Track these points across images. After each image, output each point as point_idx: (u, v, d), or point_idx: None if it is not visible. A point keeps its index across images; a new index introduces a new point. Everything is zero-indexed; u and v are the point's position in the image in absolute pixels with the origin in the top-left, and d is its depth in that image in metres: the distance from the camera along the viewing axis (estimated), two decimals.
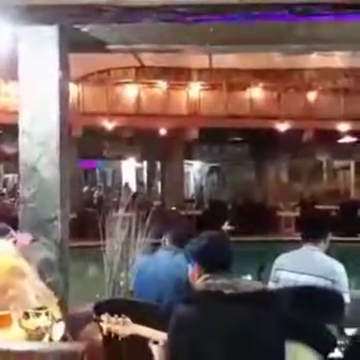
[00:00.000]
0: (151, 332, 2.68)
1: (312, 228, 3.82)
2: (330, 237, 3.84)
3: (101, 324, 2.70)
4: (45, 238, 3.93)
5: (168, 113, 14.42)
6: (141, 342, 2.67)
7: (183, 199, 16.89)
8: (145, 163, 21.50)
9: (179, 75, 14.77)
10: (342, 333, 3.18)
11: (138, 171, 22.61)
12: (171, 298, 3.30)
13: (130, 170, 22.46)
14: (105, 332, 2.69)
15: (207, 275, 2.34)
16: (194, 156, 18.75)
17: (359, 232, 13.73)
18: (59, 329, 2.44)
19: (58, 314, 2.51)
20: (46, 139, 4.03)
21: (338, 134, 15.23)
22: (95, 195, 19.62)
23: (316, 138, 14.79)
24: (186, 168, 18.88)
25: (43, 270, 3.32)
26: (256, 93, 14.73)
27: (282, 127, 14.57)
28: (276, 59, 12.54)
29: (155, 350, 2.51)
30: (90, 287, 5.87)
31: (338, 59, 13.14)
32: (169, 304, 2.98)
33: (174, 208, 14.60)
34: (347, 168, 18.45)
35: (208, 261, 2.39)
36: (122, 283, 4.41)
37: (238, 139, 16.63)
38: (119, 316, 2.70)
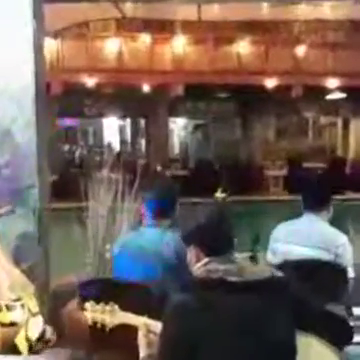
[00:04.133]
0: (143, 321, 2.36)
1: (313, 195, 3.51)
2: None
3: (85, 313, 2.37)
4: (22, 208, 3.57)
5: (152, 69, 13.97)
6: (132, 332, 2.37)
7: (168, 158, 16.55)
8: (128, 121, 20.97)
9: (163, 28, 14.18)
10: (350, 314, 2.96)
11: (121, 129, 22.12)
12: (159, 280, 2.99)
13: (113, 128, 21.94)
14: (90, 322, 2.35)
15: (207, 259, 2.02)
16: (179, 113, 18.27)
17: (347, 190, 13.55)
18: (36, 324, 2.10)
19: (35, 306, 2.16)
20: (20, 98, 3.61)
21: (326, 90, 14.90)
22: (77, 154, 19.17)
23: (304, 94, 14.44)
24: (170, 125, 18.44)
25: (20, 249, 3.16)
26: (243, 47, 14.31)
27: (269, 83, 14.20)
28: (263, 11, 12.11)
29: (142, 339, 2.17)
30: (73, 255, 5.53)
31: (327, 10, 12.71)
32: (160, 287, 2.81)
33: (159, 168, 14.27)
34: (334, 125, 18.20)
35: (208, 244, 2.07)
36: (108, 255, 4.05)
37: (224, 96, 16.17)
38: (106, 303, 2.37)
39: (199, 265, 2.03)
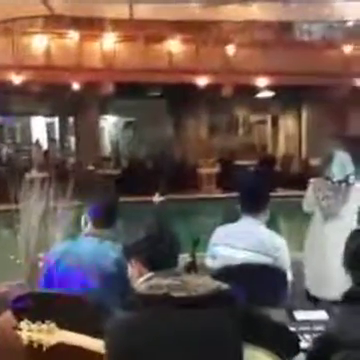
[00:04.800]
0: (82, 340, 2.22)
1: (250, 198, 3.48)
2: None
3: (20, 333, 2.21)
4: None
5: (81, 66, 13.58)
6: (70, 351, 2.22)
7: (100, 157, 16.23)
8: (57, 118, 20.42)
9: (92, 25, 13.84)
10: (293, 319, 2.91)
11: (49, 127, 21.49)
12: (97, 293, 2.84)
13: (41, 126, 21.30)
14: (26, 342, 2.20)
15: (150, 274, 1.95)
16: (109, 111, 18.00)
17: (277, 187, 13.82)
18: None
19: None
20: None
21: (256, 88, 15.12)
22: (4, 152, 18.47)
23: (234, 93, 14.58)
24: (100, 123, 18.11)
25: None
26: (174, 46, 14.20)
27: (200, 81, 14.20)
28: (194, 11, 12.10)
29: None
30: (1, 261, 5.24)
31: (257, 11, 12.87)
32: (97, 299, 2.68)
33: (91, 167, 13.96)
34: (264, 123, 18.53)
35: (150, 258, 1.99)
36: (40, 264, 3.85)
37: (155, 94, 16.07)
38: (43, 322, 2.21)
39: (141, 280, 1.94)
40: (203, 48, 14.19)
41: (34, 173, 12.69)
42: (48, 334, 2.20)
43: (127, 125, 19.80)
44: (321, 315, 2.95)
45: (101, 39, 13.92)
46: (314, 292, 4.75)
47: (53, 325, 2.21)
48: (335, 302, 4.61)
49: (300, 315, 2.93)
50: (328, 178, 4.82)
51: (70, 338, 2.21)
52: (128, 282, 2.73)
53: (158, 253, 1.98)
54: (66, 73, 13.38)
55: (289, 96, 15.87)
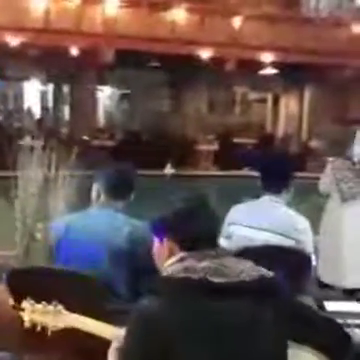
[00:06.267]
0: (95, 326, 1.88)
1: (273, 175, 3.25)
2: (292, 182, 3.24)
3: (22, 314, 1.87)
4: None
5: (80, 30, 13.06)
6: (77, 336, 1.91)
7: (94, 128, 15.83)
8: (51, 86, 19.89)
9: None
10: (321, 308, 2.65)
11: (43, 95, 20.97)
12: (107, 272, 2.56)
13: (34, 93, 20.77)
14: (28, 324, 1.86)
15: (183, 254, 1.64)
16: (106, 81, 17.51)
17: None
18: None
19: None
20: None
21: (259, 65, 14.75)
22: None
23: (237, 68, 14.21)
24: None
25: None
26: (178, 15, 13.69)
27: (203, 54, 13.77)
28: None
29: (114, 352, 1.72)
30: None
31: None
32: (106, 279, 2.49)
33: (86, 137, 13.58)
34: (264, 101, 18.20)
35: (186, 235, 1.66)
36: (39, 236, 3.50)
37: (156, 65, 15.61)
38: (49, 302, 1.87)
39: (171, 261, 1.65)
40: (208, 19, 13.75)
41: (27, 140, 12.32)
42: (55, 317, 1.85)
43: (123, 97, 19.36)
44: (354, 307, 2.76)
45: (103, 3, 13.41)
46: (327, 279, 4.55)
47: (61, 307, 1.87)
48: (352, 291, 4.41)
49: (331, 306, 2.68)
50: (349, 158, 4.58)
51: (83, 323, 1.87)
52: (142, 259, 2.45)
53: (194, 230, 1.66)
54: (64, 37, 12.89)
55: (293, 75, 15.54)
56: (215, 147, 14.33)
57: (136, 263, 2.56)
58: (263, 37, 13.70)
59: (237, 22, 13.99)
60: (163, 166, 12.40)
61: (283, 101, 17.43)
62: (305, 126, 16.83)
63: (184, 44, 13.38)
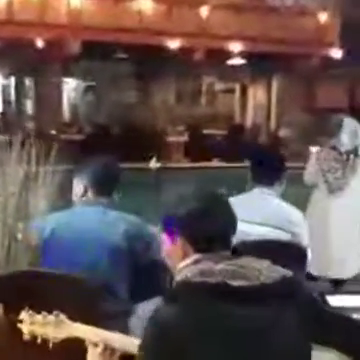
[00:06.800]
0: (99, 334, 1.73)
1: (265, 167, 3.18)
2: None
3: (21, 326, 1.72)
4: None
5: (45, 22, 12.73)
6: (81, 346, 1.75)
7: (61, 122, 15.49)
8: (13, 79, 19.39)
9: None
10: (324, 302, 2.56)
11: (4, 89, 20.43)
12: (105, 272, 2.43)
13: None
14: (28, 336, 1.72)
15: (197, 256, 1.54)
16: (71, 73, 17.14)
17: (245, 157, 13.51)
18: None
19: None
20: None
21: (228, 54, 14.69)
22: None
23: (206, 58, 14.11)
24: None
25: None
26: (145, 4, 13.50)
27: (172, 44, 13.63)
28: None
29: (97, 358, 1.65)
30: None
31: None
32: (102, 281, 2.35)
33: (53, 132, 13.26)
34: (232, 91, 18.17)
35: (200, 235, 1.55)
36: (20, 236, 3.30)
37: (123, 56, 15.36)
38: (49, 312, 1.72)
39: (185, 263, 1.55)
40: (176, 8, 13.61)
41: None
42: (56, 328, 1.72)
43: (88, 89, 19.00)
44: (358, 301, 2.72)
45: None
46: (313, 271, 4.51)
47: (62, 317, 1.73)
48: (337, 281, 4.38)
49: (334, 301, 2.62)
50: (334, 148, 4.52)
51: (83, 331, 1.73)
52: (139, 257, 2.42)
53: (209, 230, 1.55)
54: (28, 29, 12.56)
55: (260, 65, 15.52)
56: (185, 138, 14.21)
57: (134, 260, 2.47)
58: (231, 27, 13.67)
59: (204, 12, 13.89)
60: (135, 159, 12.23)
61: (251, 91, 17.44)
62: (274, 116, 16.89)
63: (152, 34, 13.22)
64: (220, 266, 1.44)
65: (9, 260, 3.37)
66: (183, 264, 1.53)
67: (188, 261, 1.53)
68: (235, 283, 1.40)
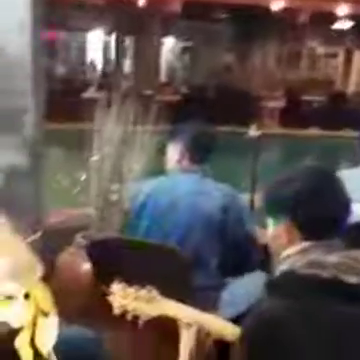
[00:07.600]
0: (193, 315, 1.63)
1: None
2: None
3: (111, 298, 1.61)
4: (12, 136, 2.75)
5: None
6: (171, 326, 1.64)
7: (158, 82, 15.50)
8: (114, 38, 19.62)
9: None
10: None
11: (106, 47, 20.76)
12: (198, 243, 2.35)
13: (97, 45, 20.58)
14: (118, 310, 1.60)
15: (306, 244, 1.39)
16: (170, 33, 17.05)
17: (346, 127, 12.89)
18: (47, 328, 1.36)
19: (46, 302, 1.40)
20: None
21: (334, 17, 13.93)
22: (58, 71, 17.99)
23: (310, 21, 13.46)
24: None
25: (9, 184, 2.63)
26: None
27: (276, 5, 13.10)
28: None
29: (190, 339, 1.52)
30: (68, 186, 4.74)
31: None
32: (193, 250, 2.27)
33: (149, 92, 13.29)
34: (335, 56, 17.31)
35: (309, 218, 1.40)
36: (115, 198, 3.29)
37: (222, 16, 15.01)
38: (142, 286, 1.61)
39: (291, 251, 1.41)
40: None
41: (91, 92, 12.19)
42: (148, 304, 1.60)
43: (185, 50, 18.86)
44: None
45: None
46: None
47: (155, 293, 1.61)
48: None
49: None
50: None
51: (177, 310, 1.63)
52: (236, 229, 2.32)
53: (318, 213, 1.39)
54: None
55: None
56: (282, 104, 13.74)
57: (226, 232, 2.36)
58: None
59: None
60: (229, 123, 12.07)
61: (356, 56, 16.51)
62: None
63: None
64: (332, 258, 1.32)
65: (103, 221, 3.40)
66: (289, 252, 1.41)
67: (294, 249, 1.40)
68: (351, 280, 1.28)
